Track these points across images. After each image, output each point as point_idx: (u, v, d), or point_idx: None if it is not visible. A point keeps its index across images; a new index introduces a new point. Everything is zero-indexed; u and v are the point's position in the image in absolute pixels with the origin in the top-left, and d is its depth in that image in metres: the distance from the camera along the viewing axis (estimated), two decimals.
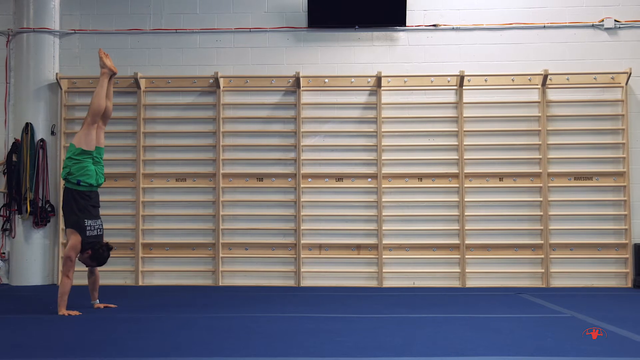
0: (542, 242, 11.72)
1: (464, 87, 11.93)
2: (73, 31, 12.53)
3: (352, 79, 12.09)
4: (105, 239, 11.80)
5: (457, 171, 11.86)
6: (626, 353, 6.01)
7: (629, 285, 11.65)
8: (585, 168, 11.83)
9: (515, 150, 11.94)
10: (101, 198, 11.88)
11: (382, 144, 11.97)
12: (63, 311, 8.27)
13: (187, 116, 12.32)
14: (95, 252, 8.49)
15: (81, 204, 8.54)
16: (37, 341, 6.69)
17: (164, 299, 10.21)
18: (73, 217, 8.49)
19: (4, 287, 11.78)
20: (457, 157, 11.88)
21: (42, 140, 12.14)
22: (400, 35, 12.27)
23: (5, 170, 12.14)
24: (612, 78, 11.92)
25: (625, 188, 11.76)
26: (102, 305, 8.90)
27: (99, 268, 8.87)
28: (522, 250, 11.77)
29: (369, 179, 11.99)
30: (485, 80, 11.97)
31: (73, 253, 8.37)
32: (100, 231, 8.67)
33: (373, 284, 11.83)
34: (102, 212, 11.97)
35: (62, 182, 8.86)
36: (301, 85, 12.06)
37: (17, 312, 8.78)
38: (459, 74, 11.81)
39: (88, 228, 8.49)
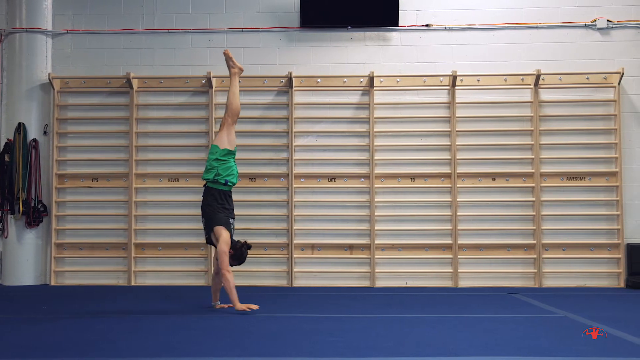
0: (534, 242, 11.73)
1: (456, 87, 11.93)
2: (65, 31, 12.51)
3: (345, 79, 12.09)
4: (97, 239, 12.04)
5: (449, 171, 11.87)
6: (619, 353, 6.02)
7: (622, 285, 11.66)
8: (578, 168, 11.84)
9: (508, 150, 11.94)
10: (93, 198, 12.17)
11: (375, 144, 11.97)
12: (240, 305, 8.36)
13: (179, 116, 12.31)
14: (238, 251, 8.67)
15: (226, 204, 8.76)
16: (30, 341, 6.68)
17: (157, 299, 10.21)
18: (221, 214, 8.65)
19: None
20: (449, 157, 11.88)
21: (34, 140, 12.13)
22: (393, 35, 12.27)
23: None
24: (605, 78, 11.93)
25: (617, 188, 11.77)
26: (225, 306, 8.96)
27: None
28: (515, 250, 11.77)
29: (362, 179, 11.99)
30: (478, 80, 11.98)
31: (227, 247, 8.48)
32: (234, 230, 8.84)
33: (365, 284, 11.83)
34: (93, 212, 12.22)
35: (203, 182, 8.96)
36: (294, 85, 12.06)
37: (9, 313, 8.79)
38: (451, 74, 11.82)
39: (232, 227, 8.71)
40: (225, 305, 8.92)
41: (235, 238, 11.76)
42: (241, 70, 9.38)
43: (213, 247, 11.70)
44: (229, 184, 8.77)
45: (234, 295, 8.37)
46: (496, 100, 11.97)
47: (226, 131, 8.99)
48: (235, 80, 9.27)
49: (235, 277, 11.64)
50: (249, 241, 11.77)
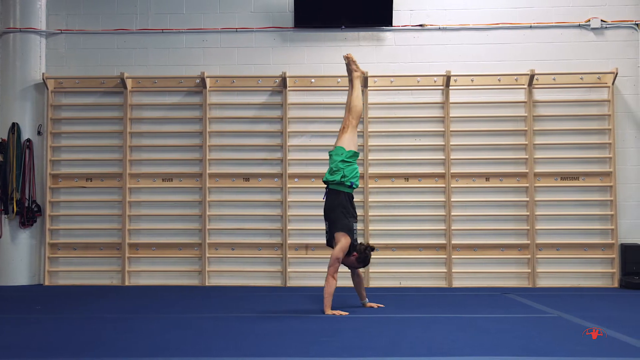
0: (528, 242, 11.73)
1: (450, 87, 11.93)
2: (59, 31, 12.51)
3: (339, 79, 12.07)
4: (91, 239, 12.03)
5: (443, 171, 11.86)
6: (614, 353, 6.02)
7: (616, 285, 11.66)
8: (572, 168, 11.84)
9: (502, 150, 11.94)
10: (87, 198, 12.15)
11: (368, 144, 11.97)
12: (330, 311, 8.33)
13: (173, 116, 12.31)
14: (362, 254, 8.64)
15: (350, 207, 8.72)
16: (24, 342, 6.68)
17: (151, 299, 10.21)
18: (345, 220, 8.59)
19: None
20: (443, 157, 11.87)
21: (28, 140, 12.13)
22: (387, 35, 12.27)
23: None
24: (599, 78, 11.93)
25: (611, 188, 11.77)
26: (375, 305, 8.97)
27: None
28: (509, 250, 11.77)
29: None
30: (472, 81, 11.98)
31: (342, 255, 8.45)
32: (357, 234, 8.77)
33: None
34: (87, 212, 12.21)
35: (325, 185, 8.95)
36: (287, 85, 12.06)
37: (3, 313, 8.77)
38: (445, 74, 11.81)
39: (355, 231, 8.64)
40: (375, 305, 8.97)
41: (230, 239, 12.00)
42: (363, 74, 9.35)
43: (206, 246, 11.91)
44: (353, 186, 8.74)
45: (328, 301, 8.37)
46: (490, 100, 11.97)
47: (350, 133, 8.98)
48: (358, 83, 9.20)
49: (229, 277, 11.96)
50: (241, 241, 11.95)
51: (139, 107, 12.34)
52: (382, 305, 8.95)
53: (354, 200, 8.83)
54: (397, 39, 12.25)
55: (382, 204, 11.96)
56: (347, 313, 8.31)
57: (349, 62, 9.24)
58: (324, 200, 8.84)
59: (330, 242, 8.72)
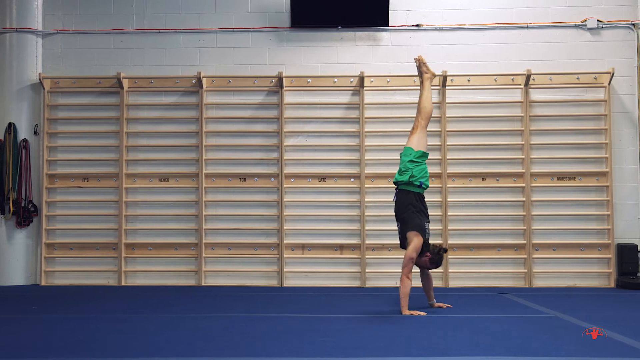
0: (524, 242, 11.73)
1: (446, 87, 11.93)
2: (56, 31, 12.50)
3: (335, 79, 12.08)
4: (87, 239, 12.02)
5: (439, 171, 11.85)
6: (610, 353, 6.03)
7: (612, 285, 11.67)
8: (568, 168, 11.84)
9: (498, 150, 11.95)
10: (83, 198, 12.14)
11: (365, 144, 11.97)
12: (407, 311, 8.32)
13: (169, 116, 12.30)
14: (435, 255, 8.66)
15: (421, 207, 8.69)
16: (20, 342, 6.68)
17: (147, 299, 10.21)
18: (417, 219, 8.55)
19: None
20: (439, 157, 11.86)
21: (24, 140, 12.12)
22: (383, 35, 12.28)
23: None
24: (595, 78, 11.94)
25: (608, 188, 11.77)
26: (443, 305, 8.97)
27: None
28: (505, 250, 11.77)
29: (352, 179, 12.00)
30: (468, 80, 11.98)
31: (415, 254, 8.43)
32: (429, 234, 8.75)
33: (356, 284, 11.83)
34: (84, 212, 12.18)
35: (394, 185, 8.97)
36: (284, 85, 12.05)
37: None
38: (441, 74, 11.79)
39: (427, 231, 8.61)
40: (444, 305, 8.96)
41: (226, 239, 12.00)
42: (434, 75, 9.31)
43: (203, 246, 11.91)
44: (423, 186, 8.72)
45: (405, 301, 8.35)
46: (486, 100, 11.98)
47: (419, 134, 9.00)
48: (428, 84, 9.23)
49: (225, 277, 11.95)
50: (238, 241, 11.95)
51: (135, 107, 12.34)
52: (449, 306, 8.94)
53: (425, 199, 8.84)
54: (394, 39, 12.25)
55: (378, 204, 11.94)
56: (424, 313, 8.31)
57: (420, 64, 9.27)
58: (394, 201, 8.86)
59: (403, 243, 8.67)
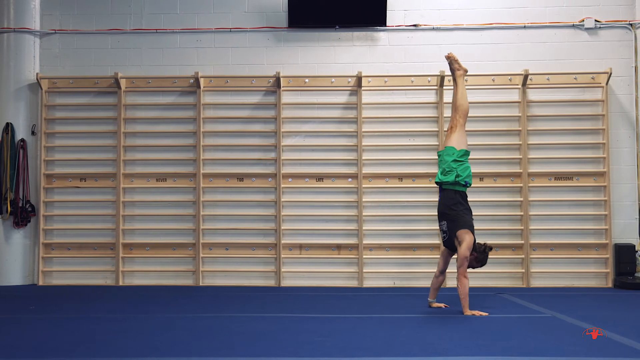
0: (522, 242, 11.73)
1: (444, 87, 11.93)
2: (53, 31, 12.50)
3: (333, 79, 12.09)
4: (85, 239, 12.02)
5: (437, 171, 11.80)
6: (607, 353, 6.04)
7: (609, 285, 11.67)
8: (566, 168, 11.85)
9: (496, 150, 11.95)
10: (81, 198, 12.14)
11: (363, 144, 11.97)
12: (469, 311, 8.32)
13: (167, 116, 12.31)
14: (481, 254, 8.64)
15: (467, 205, 8.75)
16: (17, 341, 6.68)
17: (145, 299, 10.21)
18: (466, 217, 8.61)
19: None
20: (437, 157, 11.83)
21: (22, 140, 12.13)
22: (381, 35, 12.28)
23: None
24: (593, 78, 11.94)
25: (605, 188, 11.77)
26: (442, 305, 8.99)
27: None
28: (503, 250, 11.75)
29: (350, 179, 11.99)
30: (466, 81, 11.84)
31: (469, 253, 8.44)
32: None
33: (353, 284, 11.83)
34: (81, 212, 12.18)
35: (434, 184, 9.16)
36: (281, 85, 12.05)
37: None
38: (439, 74, 11.82)
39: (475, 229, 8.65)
40: (443, 305, 8.96)
41: (224, 239, 12.00)
42: (466, 71, 9.29)
43: (200, 246, 11.90)
44: (467, 184, 8.75)
45: (466, 302, 8.35)
46: (484, 100, 11.97)
47: (459, 132, 8.98)
48: (462, 81, 9.22)
49: (223, 277, 11.93)
50: (235, 241, 11.94)
51: (132, 107, 12.34)
52: (447, 306, 8.96)
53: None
54: (391, 39, 12.25)
55: (376, 204, 11.96)
56: (487, 314, 8.32)
57: (451, 61, 9.26)
58: (438, 201, 8.88)
59: (450, 242, 8.65)
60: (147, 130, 12.30)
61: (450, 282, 11.63)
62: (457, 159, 8.74)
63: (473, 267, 8.73)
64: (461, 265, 8.34)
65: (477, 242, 8.64)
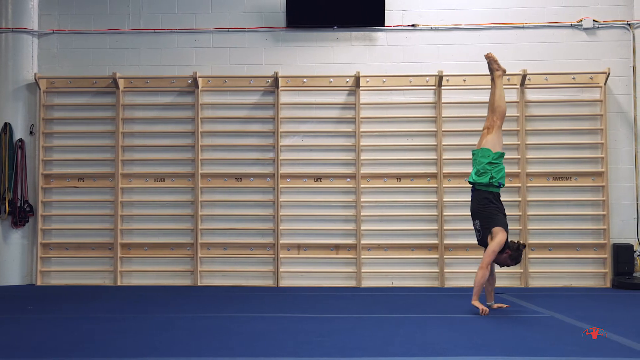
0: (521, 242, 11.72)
1: (442, 87, 11.93)
2: (52, 31, 12.49)
3: (331, 79, 12.09)
4: (83, 239, 12.01)
5: (435, 171, 11.87)
6: (605, 353, 6.06)
7: (608, 285, 11.67)
8: (564, 168, 11.85)
9: None
10: (79, 198, 12.13)
11: (361, 144, 11.97)
12: (476, 302, 8.43)
13: (165, 116, 12.30)
14: (515, 251, 8.70)
15: (500, 205, 8.84)
16: (16, 342, 6.70)
17: (143, 299, 10.21)
18: (500, 216, 8.73)
19: None
20: (435, 157, 11.88)
21: (20, 140, 12.11)
22: (379, 35, 12.27)
23: None
24: (591, 78, 11.94)
25: (603, 188, 11.78)
26: (503, 305, 9.01)
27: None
28: None
29: (348, 179, 11.99)
30: (464, 81, 11.98)
31: (499, 249, 8.52)
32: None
33: (352, 284, 11.83)
34: (80, 212, 12.17)
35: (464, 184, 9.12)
36: (280, 85, 12.05)
37: None
38: (437, 74, 11.82)
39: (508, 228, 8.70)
40: (504, 305, 8.99)
41: (222, 239, 12.00)
42: (504, 71, 9.32)
43: (199, 246, 11.90)
44: (501, 185, 8.83)
45: (477, 290, 8.46)
46: (482, 100, 11.84)
47: (495, 134, 9.01)
48: (500, 81, 9.22)
49: (221, 277, 11.94)
50: (233, 241, 11.94)
51: (131, 107, 12.33)
52: (508, 305, 9.01)
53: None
54: (390, 39, 12.25)
55: (374, 204, 11.96)
56: (487, 310, 8.40)
57: (490, 61, 9.29)
58: (471, 200, 8.99)
59: (484, 241, 8.74)
60: (145, 130, 12.29)
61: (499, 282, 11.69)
62: (492, 161, 8.81)
63: (508, 265, 8.84)
64: (487, 257, 8.49)
65: (512, 240, 8.79)
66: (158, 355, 5.97)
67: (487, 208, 8.71)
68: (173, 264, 12.06)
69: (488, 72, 11.80)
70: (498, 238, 8.48)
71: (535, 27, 12.16)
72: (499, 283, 11.62)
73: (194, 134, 12.10)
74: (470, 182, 8.96)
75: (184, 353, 6.06)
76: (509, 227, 8.90)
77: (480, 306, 8.34)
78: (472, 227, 11.71)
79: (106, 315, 8.40)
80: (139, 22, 12.47)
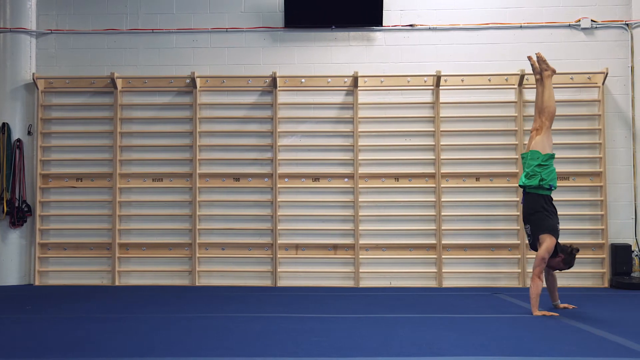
0: (519, 242, 11.73)
1: (440, 87, 11.93)
2: (50, 31, 12.49)
3: (329, 79, 12.09)
4: (81, 239, 12.00)
5: (433, 171, 11.86)
6: (603, 353, 6.05)
7: (606, 285, 11.68)
8: (562, 168, 11.77)
9: (492, 150, 11.95)
10: (77, 198, 12.13)
11: (359, 144, 11.97)
12: (538, 312, 8.31)
13: (163, 116, 12.29)
14: (569, 256, 8.65)
15: (551, 209, 8.67)
16: (14, 342, 6.69)
17: (141, 299, 10.20)
18: (549, 221, 8.55)
19: None
20: (433, 157, 11.88)
21: (18, 140, 12.11)
22: (377, 35, 12.27)
23: None
24: (589, 78, 11.95)
25: (601, 188, 11.78)
26: (569, 306, 8.95)
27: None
28: (499, 250, 11.77)
29: (346, 179, 11.99)
30: (462, 81, 11.98)
31: (547, 255, 8.42)
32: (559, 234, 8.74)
33: (350, 284, 11.83)
34: (78, 212, 12.16)
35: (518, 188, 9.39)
36: (278, 85, 12.05)
37: None
38: (435, 74, 11.82)
39: (559, 232, 8.63)
40: (570, 306, 8.92)
41: (220, 239, 11.99)
42: (554, 71, 9.16)
43: (197, 246, 11.90)
44: (552, 188, 8.68)
45: (535, 301, 8.34)
46: (480, 100, 11.98)
47: (544, 135, 8.83)
48: (549, 82, 9.06)
49: (219, 277, 11.93)
50: (231, 241, 11.93)
51: (129, 107, 12.32)
52: (575, 307, 8.93)
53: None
54: (388, 39, 12.25)
55: (372, 204, 11.96)
56: (557, 314, 8.29)
57: (540, 61, 9.13)
58: (522, 204, 8.88)
59: (534, 245, 8.64)
60: (143, 130, 12.29)
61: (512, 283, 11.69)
62: (542, 163, 8.64)
63: (560, 269, 8.80)
64: (537, 266, 8.38)
65: (564, 244, 8.69)
66: (156, 355, 5.96)
67: (537, 213, 8.55)
68: (171, 264, 12.05)
69: (488, 72, 12.01)
70: (545, 244, 8.38)
71: (533, 27, 12.16)
72: (498, 283, 11.69)
73: (192, 134, 12.10)
74: (520, 186, 8.85)
75: (182, 353, 6.05)
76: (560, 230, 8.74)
77: (547, 313, 8.28)
78: (470, 227, 11.87)
79: (104, 315, 8.38)
80: (136, 22, 12.47)
